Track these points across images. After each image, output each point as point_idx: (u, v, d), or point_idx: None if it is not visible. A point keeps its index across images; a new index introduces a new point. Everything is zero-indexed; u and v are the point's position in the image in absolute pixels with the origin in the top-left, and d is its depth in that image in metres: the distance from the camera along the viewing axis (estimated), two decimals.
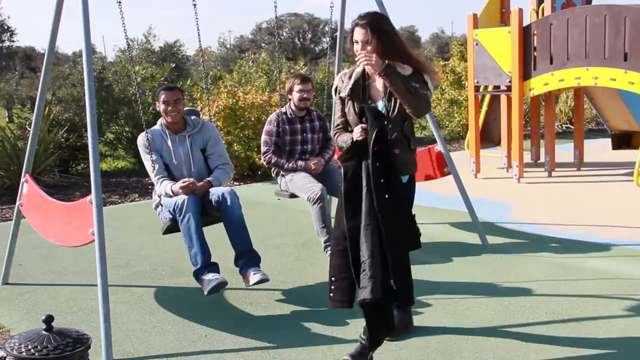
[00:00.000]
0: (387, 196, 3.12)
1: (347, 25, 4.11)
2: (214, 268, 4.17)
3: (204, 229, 4.27)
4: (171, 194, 4.38)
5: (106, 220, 3.86)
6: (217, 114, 9.11)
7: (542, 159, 8.92)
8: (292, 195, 5.41)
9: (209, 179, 4.52)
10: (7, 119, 19.41)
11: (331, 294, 3.21)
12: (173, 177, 4.53)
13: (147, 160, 4.52)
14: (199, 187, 4.41)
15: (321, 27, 49.96)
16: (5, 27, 20.06)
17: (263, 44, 43.86)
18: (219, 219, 4.46)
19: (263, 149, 5.53)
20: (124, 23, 4.28)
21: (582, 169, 8.76)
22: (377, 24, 3.32)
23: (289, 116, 5.48)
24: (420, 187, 7.31)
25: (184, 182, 4.36)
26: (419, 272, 4.83)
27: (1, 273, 4.91)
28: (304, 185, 5.19)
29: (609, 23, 7.07)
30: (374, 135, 3.13)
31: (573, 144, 8.98)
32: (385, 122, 3.24)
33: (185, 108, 4.72)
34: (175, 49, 19.54)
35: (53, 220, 4.34)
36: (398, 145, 3.38)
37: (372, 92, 3.43)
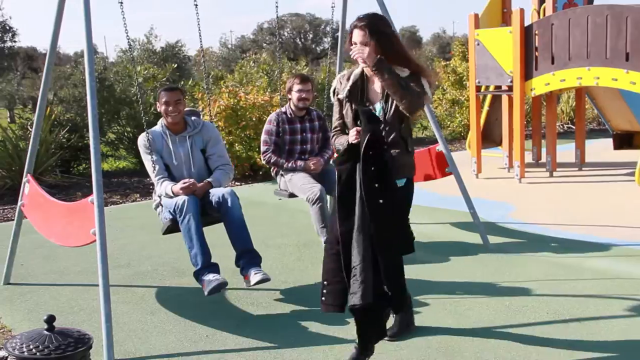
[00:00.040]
0: (381, 201, 3.09)
1: (349, 26, 4.10)
2: (214, 269, 4.18)
3: (204, 229, 4.28)
4: (171, 194, 4.39)
5: (107, 220, 3.86)
6: (218, 114, 9.11)
7: (543, 159, 8.91)
8: (291, 195, 5.42)
9: (209, 179, 4.53)
10: (8, 119, 19.40)
11: (323, 298, 3.18)
12: (173, 178, 4.53)
13: (147, 160, 4.53)
14: (199, 188, 4.42)
15: (322, 27, 49.98)
16: (7, 28, 20.08)
17: (264, 44, 43.89)
18: (219, 219, 4.46)
19: (262, 148, 5.54)
20: (125, 23, 4.29)
21: (583, 169, 8.75)
22: (376, 26, 3.30)
23: (289, 116, 5.49)
24: (422, 187, 7.35)
25: (184, 183, 4.37)
26: (420, 272, 4.83)
27: (3, 273, 4.92)
28: (303, 185, 5.19)
29: (611, 23, 7.06)
30: (366, 140, 3.09)
31: (574, 144, 8.97)
32: (380, 126, 3.21)
33: (186, 109, 4.73)
34: (176, 49, 19.53)
35: (54, 221, 4.34)
36: (395, 147, 3.36)
37: (370, 94, 3.42)
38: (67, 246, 4.49)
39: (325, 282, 3.17)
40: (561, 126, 13.60)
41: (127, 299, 4.50)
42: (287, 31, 51.25)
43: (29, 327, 3.82)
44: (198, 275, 4.19)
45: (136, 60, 14.58)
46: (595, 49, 7.21)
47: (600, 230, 5.79)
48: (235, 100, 9.30)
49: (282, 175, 5.49)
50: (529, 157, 8.97)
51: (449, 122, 13.11)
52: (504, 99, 8.72)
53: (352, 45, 3.36)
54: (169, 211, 4.34)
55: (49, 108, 9.22)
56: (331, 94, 3.58)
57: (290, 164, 5.40)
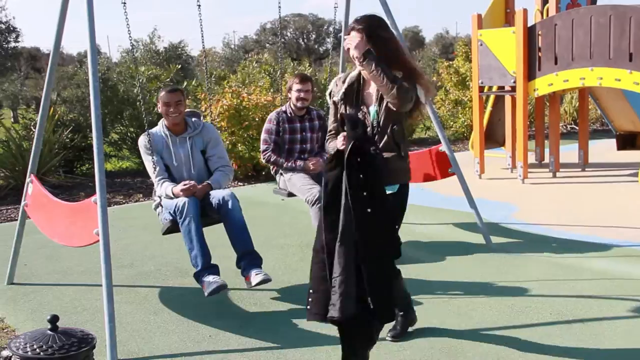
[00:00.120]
0: (369, 210, 2.99)
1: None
2: (214, 270, 4.21)
3: (204, 229, 4.31)
4: (172, 195, 4.41)
5: (110, 220, 3.87)
6: (221, 114, 9.12)
7: (546, 160, 8.90)
8: (290, 194, 5.42)
9: (208, 181, 4.55)
10: (12, 120, 19.46)
11: (308, 307, 3.10)
12: (173, 179, 4.56)
13: (148, 161, 4.56)
14: (199, 189, 4.44)
15: (325, 27, 49.98)
16: (11, 28, 20.11)
17: (267, 44, 43.91)
18: (218, 220, 4.49)
19: (262, 147, 5.54)
20: (128, 24, 4.30)
21: (586, 169, 8.74)
22: (373, 29, 3.24)
23: (289, 115, 5.49)
24: (425, 187, 7.35)
25: (184, 185, 4.39)
26: (423, 272, 4.83)
27: (6, 273, 4.93)
28: (302, 186, 5.19)
29: (614, 23, 7.05)
30: (349, 147, 2.99)
31: (578, 145, 8.96)
32: (364, 132, 3.10)
33: (186, 110, 4.74)
34: (179, 49, 19.55)
35: (58, 221, 4.35)
36: (388, 151, 3.30)
37: (365, 97, 3.38)
38: (70, 246, 4.50)
39: (310, 291, 3.09)
40: (564, 127, 13.58)
41: (131, 299, 4.51)
42: (290, 31, 51.28)
43: (33, 327, 3.83)
44: (198, 276, 4.21)
45: (139, 61, 14.60)
46: (599, 49, 7.20)
47: (603, 231, 5.78)
48: (238, 101, 9.31)
49: (281, 174, 5.50)
50: (532, 158, 8.96)
51: (452, 123, 13.11)
52: (507, 99, 8.71)
53: (347, 50, 3.30)
54: (169, 212, 4.36)
55: (52, 108, 9.23)
56: (327, 97, 3.54)
57: (289, 164, 5.41)
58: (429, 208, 6.88)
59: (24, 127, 10.16)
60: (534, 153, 9.26)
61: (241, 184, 9.05)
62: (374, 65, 3.16)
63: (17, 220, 5.11)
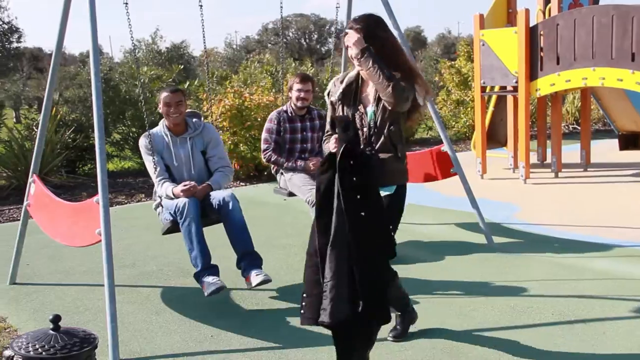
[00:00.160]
0: (362, 213, 2.94)
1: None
2: (214, 271, 4.24)
3: (204, 229, 4.34)
4: (172, 196, 4.42)
5: (113, 220, 3.87)
6: (223, 114, 9.13)
7: (548, 160, 8.89)
8: (291, 194, 5.43)
9: (208, 182, 4.57)
10: (14, 120, 19.48)
11: (302, 310, 3.06)
12: (173, 179, 4.58)
13: (148, 161, 4.58)
14: (199, 190, 4.46)
15: (327, 27, 50.00)
16: (14, 29, 20.15)
17: (269, 45, 43.93)
18: (218, 220, 4.51)
19: (263, 146, 5.55)
20: (130, 24, 4.31)
21: (589, 169, 8.73)
22: (371, 30, 3.21)
23: (290, 114, 5.50)
24: (426, 188, 7.34)
25: (184, 186, 4.41)
26: (425, 272, 4.83)
27: (9, 273, 4.94)
28: (303, 186, 5.20)
29: (617, 23, 7.04)
30: (341, 150, 2.93)
31: (580, 145, 8.95)
32: (355, 135, 3.03)
33: (187, 110, 4.76)
34: (181, 50, 19.57)
35: (60, 221, 4.36)
36: (384, 152, 3.27)
37: (363, 98, 3.35)
38: (72, 246, 4.50)
39: (304, 295, 3.06)
40: (566, 127, 13.56)
41: (133, 299, 4.51)
42: (291, 31, 51.32)
43: (35, 326, 3.83)
44: (198, 276, 4.25)
45: (141, 61, 14.61)
46: (601, 49, 7.19)
47: (605, 231, 5.77)
48: (240, 101, 9.31)
49: (282, 173, 5.51)
50: (534, 158, 8.95)
51: (454, 123, 13.10)
52: (509, 99, 8.71)
53: (347, 48, 3.28)
54: (170, 212, 4.39)
55: (54, 108, 9.24)
56: (325, 97, 3.51)
57: (290, 164, 5.41)
58: (431, 208, 6.87)
59: (26, 127, 10.17)
60: (536, 153, 9.25)
61: (243, 184, 9.05)
62: (371, 62, 3.13)
63: (19, 220, 5.11)
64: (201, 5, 4.58)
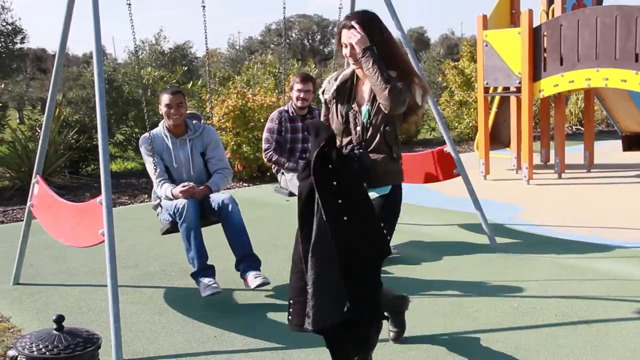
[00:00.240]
0: (345, 218, 2.84)
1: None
2: (210, 272, 4.31)
3: (203, 229, 4.38)
4: (171, 197, 4.44)
5: (116, 221, 3.88)
6: (226, 114, 9.14)
7: (551, 161, 8.88)
8: (292, 194, 5.43)
9: (207, 184, 4.60)
10: (18, 121, 19.49)
11: (290, 317, 3.01)
12: (173, 180, 4.61)
13: (148, 162, 4.61)
14: (198, 191, 4.49)
15: (330, 28, 50.01)
16: (18, 30, 20.15)
17: (272, 45, 43.95)
18: (217, 221, 4.54)
19: (264, 146, 5.56)
20: (132, 25, 4.32)
21: (592, 170, 8.72)
22: (372, 27, 3.13)
23: (291, 114, 5.51)
24: (429, 188, 7.34)
25: (183, 187, 4.43)
26: (427, 272, 4.83)
27: (12, 273, 4.95)
28: None
29: (620, 24, 7.03)
30: (314, 156, 2.80)
31: (583, 146, 8.94)
32: (329, 137, 2.89)
33: (187, 112, 4.78)
34: (185, 50, 19.57)
35: (63, 221, 4.37)
36: (378, 153, 3.19)
37: (358, 96, 3.28)
38: (75, 247, 4.51)
39: (290, 301, 3.01)
40: (570, 128, 13.54)
41: (136, 300, 4.52)
42: (294, 32, 51.34)
43: (38, 326, 3.84)
44: (195, 276, 4.33)
45: (144, 62, 14.62)
46: (604, 50, 7.18)
47: (608, 232, 5.76)
48: (243, 102, 9.32)
49: (283, 173, 5.51)
50: (537, 159, 8.94)
51: (457, 124, 13.09)
52: (512, 100, 8.70)
53: (341, 46, 3.22)
54: (169, 213, 4.42)
55: (57, 109, 9.26)
56: (320, 95, 3.45)
57: (291, 164, 5.42)
58: (434, 209, 6.87)
59: (29, 128, 10.20)
60: (539, 154, 9.23)
61: (246, 184, 9.05)
62: (371, 62, 3.06)
63: (23, 220, 5.12)
64: (204, 6, 4.58)
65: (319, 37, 52.53)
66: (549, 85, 7.75)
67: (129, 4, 4.20)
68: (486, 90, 8.48)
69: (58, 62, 4.68)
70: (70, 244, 4.33)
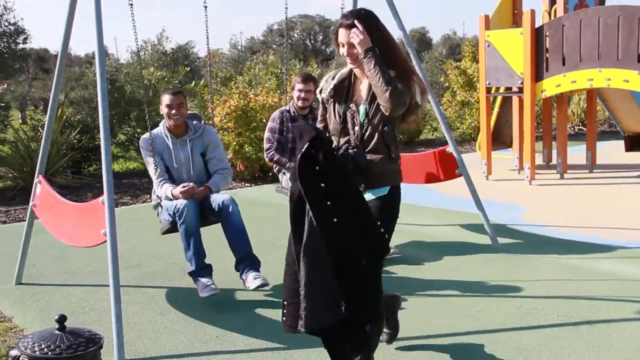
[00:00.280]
0: (335, 220, 2.79)
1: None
2: (207, 271, 4.36)
3: (202, 229, 4.41)
4: (171, 197, 4.46)
5: (118, 221, 3.88)
6: (228, 114, 9.14)
7: (554, 161, 8.87)
8: None
9: (207, 184, 4.61)
10: (20, 121, 19.54)
11: (284, 318, 3.00)
12: (173, 180, 4.63)
13: (149, 162, 4.62)
14: (198, 192, 4.50)
15: (332, 28, 49.98)
16: (20, 30, 20.20)
17: (274, 45, 43.97)
18: (216, 221, 4.56)
19: (265, 145, 5.56)
20: (134, 25, 4.34)
21: (594, 171, 8.71)
22: (372, 26, 3.09)
23: (292, 114, 5.51)
24: (431, 189, 7.33)
25: (183, 187, 4.45)
26: (429, 273, 4.83)
27: (15, 273, 4.95)
28: None
29: (623, 24, 7.02)
30: (299, 158, 2.77)
31: (585, 146, 8.93)
32: (314, 138, 2.82)
33: (188, 112, 4.79)
34: (187, 50, 19.60)
35: (66, 221, 4.37)
36: (376, 153, 3.15)
37: (356, 96, 3.24)
38: (78, 247, 4.52)
39: (285, 303, 2.99)
40: (572, 128, 13.53)
41: (138, 300, 4.53)
42: (296, 32, 51.34)
43: (41, 326, 3.84)
44: (192, 275, 4.37)
45: (146, 62, 14.63)
46: (607, 50, 7.17)
47: (611, 233, 5.76)
48: (246, 102, 9.32)
49: (284, 173, 5.52)
50: (539, 159, 8.93)
51: (459, 124, 13.08)
52: (515, 100, 8.69)
53: (338, 46, 3.19)
54: (169, 213, 4.43)
55: (60, 109, 9.28)
56: (317, 94, 3.42)
57: (292, 164, 5.41)
58: (436, 209, 6.87)
59: (32, 128, 10.22)
60: (542, 154, 9.23)
61: (248, 184, 9.05)
62: (373, 63, 3.03)
63: (25, 220, 5.13)
64: (206, 7, 4.58)
65: (321, 37, 52.52)
66: (551, 86, 7.74)
67: (131, 4, 4.21)
68: (488, 90, 8.47)
69: (60, 62, 4.68)
70: (72, 244, 4.34)
